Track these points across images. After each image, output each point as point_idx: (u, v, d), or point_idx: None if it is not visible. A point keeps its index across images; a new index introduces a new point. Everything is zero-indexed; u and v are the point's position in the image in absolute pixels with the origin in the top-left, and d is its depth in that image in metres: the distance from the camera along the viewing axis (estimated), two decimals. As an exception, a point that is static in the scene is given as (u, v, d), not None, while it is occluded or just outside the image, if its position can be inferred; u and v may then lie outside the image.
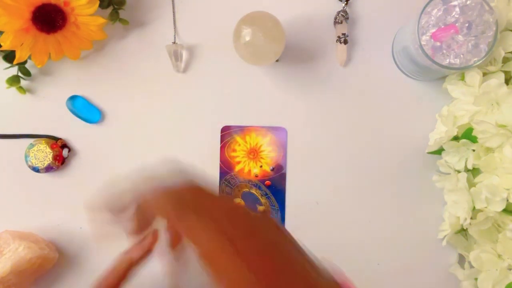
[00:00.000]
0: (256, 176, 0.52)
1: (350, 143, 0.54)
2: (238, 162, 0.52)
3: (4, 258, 0.49)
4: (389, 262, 0.53)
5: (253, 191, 0.52)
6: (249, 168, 0.52)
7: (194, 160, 0.51)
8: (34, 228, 0.54)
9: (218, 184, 0.52)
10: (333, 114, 0.54)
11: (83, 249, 0.54)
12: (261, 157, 0.52)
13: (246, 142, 0.52)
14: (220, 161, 0.52)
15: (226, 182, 0.52)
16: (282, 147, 0.52)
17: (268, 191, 0.52)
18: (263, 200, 0.52)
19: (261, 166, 0.52)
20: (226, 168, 0.52)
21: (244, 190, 0.52)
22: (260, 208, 0.52)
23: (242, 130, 0.52)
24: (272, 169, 0.52)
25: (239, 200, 0.52)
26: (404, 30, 0.50)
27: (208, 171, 0.53)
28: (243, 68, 0.54)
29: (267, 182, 0.52)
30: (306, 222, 0.53)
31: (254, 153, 0.52)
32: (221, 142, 0.52)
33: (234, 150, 0.52)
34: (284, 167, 0.52)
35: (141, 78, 0.55)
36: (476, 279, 0.48)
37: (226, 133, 0.52)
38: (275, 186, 0.52)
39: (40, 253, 0.50)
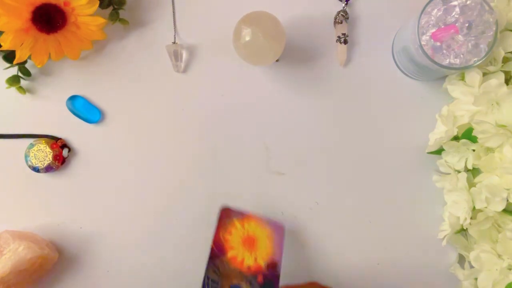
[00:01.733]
0: (249, 268, 0.47)
1: (350, 143, 0.54)
2: (232, 248, 0.48)
3: (4, 258, 0.49)
4: (389, 262, 0.53)
5: (243, 285, 0.46)
6: (243, 258, 0.47)
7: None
8: (34, 228, 0.54)
9: (205, 266, 0.47)
10: (333, 114, 0.54)
11: (83, 249, 0.54)
12: (257, 249, 0.48)
13: (244, 228, 0.48)
14: (213, 241, 0.47)
15: (214, 267, 0.47)
16: (279, 246, 0.48)
17: None
18: None
19: (255, 259, 0.47)
20: (217, 250, 0.47)
21: (234, 281, 0.46)
22: None
23: (243, 216, 0.49)
24: (267, 266, 0.47)
25: None
26: (404, 30, 0.50)
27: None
28: (243, 68, 0.54)
29: (260, 278, 0.47)
30: None
31: (250, 242, 0.48)
32: (218, 222, 0.48)
33: (230, 233, 0.48)
34: (279, 267, 0.47)
35: (141, 78, 0.55)
36: (476, 279, 0.48)
37: (226, 214, 0.49)
38: (268, 284, 0.47)
39: (40, 253, 0.50)
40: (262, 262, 0.47)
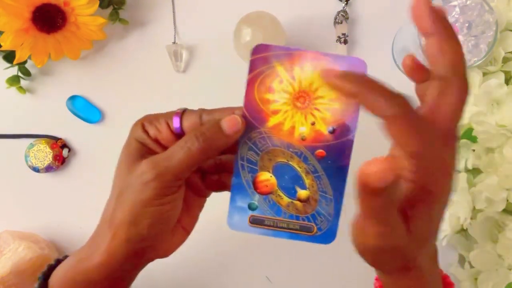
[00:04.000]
0: (303, 139, 0.32)
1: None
2: (276, 112, 0.32)
3: (4, 258, 0.49)
4: (389, 262, 0.53)
5: (294, 163, 0.32)
6: (293, 124, 0.32)
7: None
8: (34, 228, 0.54)
9: (236, 145, 0.32)
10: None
11: (83, 249, 0.54)
12: (316, 108, 0.31)
13: (294, 77, 0.31)
14: (245, 105, 0.32)
15: (250, 143, 0.32)
16: None
17: (319, 167, 0.32)
18: (308, 180, 0.32)
19: (313, 124, 0.32)
20: (253, 118, 0.32)
21: (280, 160, 0.32)
22: (302, 193, 0.32)
23: (291, 55, 0.31)
24: (332, 131, 0.32)
25: (268, 176, 0.32)
26: (404, 30, 0.50)
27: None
28: (243, 68, 0.54)
29: (320, 151, 0.32)
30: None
31: (305, 98, 0.31)
32: (249, 73, 0.32)
33: (271, 90, 0.32)
34: (354, 130, 0.32)
35: (141, 78, 0.55)
36: (476, 279, 0.48)
37: (261, 57, 0.31)
38: (332, 160, 0.32)
39: (40, 253, 0.50)
40: (324, 128, 0.32)
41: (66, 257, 0.35)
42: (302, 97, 0.31)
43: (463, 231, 0.50)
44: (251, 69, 0.32)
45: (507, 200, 0.44)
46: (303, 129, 0.32)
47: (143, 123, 0.33)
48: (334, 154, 0.32)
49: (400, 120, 0.24)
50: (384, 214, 0.25)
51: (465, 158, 0.48)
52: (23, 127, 0.55)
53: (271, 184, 0.33)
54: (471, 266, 0.48)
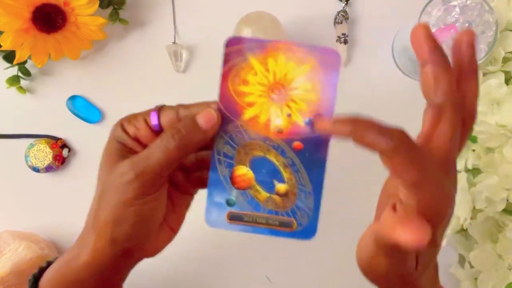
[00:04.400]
0: (280, 131, 0.31)
1: (350, 144, 0.54)
2: (251, 104, 0.31)
3: (4, 258, 0.49)
4: (389, 262, 0.53)
5: (271, 157, 0.31)
6: (269, 117, 0.31)
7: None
8: (34, 228, 0.54)
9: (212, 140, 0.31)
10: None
11: (83, 249, 0.54)
12: (292, 99, 0.31)
13: (268, 69, 0.31)
14: (220, 99, 0.32)
15: (226, 137, 0.31)
16: (331, 85, 0.31)
17: (297, 160, 0.31)
18: (286, 174, 0.31)
19: (289, 115, 0.31)
20: (228, 112, 0.31)
21: (256, 153, 0.31)
22: (280, 187, 0.32)
23: (264, 47, 0.30)
24: (309, 123, 0.31)
25: (245, 170, 0.32)
26: (404, 30, 0.50)
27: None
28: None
29: (297, 144, 0.31)
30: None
31: (280, 90, 0.31)
32: (223, 66, 0.32)
33: (246, 82, 0.31)
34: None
35: (141, 78, 0.55)
36: (476, 279, 0.48)
37: (234, 50, 0.31)
38: (310, 153, 0.31)
39: (40, 253, 0.50)
40: (300, 119, 0.31)
41: (56, 258, 0.35)
42: (277, 89, 0.31)
43: (463, 231, 0.50)
44: (225, 62, 0.32)
45: (507, 200, 0.44)
46: (279, 121, 0.31)
47: (122, 123, 0.33)
48: (312, 146, 0.31)
49: (397, 153, 0.24)
50: (404, 257, 0.27)
51: (465, 158, 0.48)
52: (23, 127, 0.55)
53: (248, 179, 0.32)
54: (471, 266, 0.48)
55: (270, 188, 0.32)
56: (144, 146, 0.31)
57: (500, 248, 0.45)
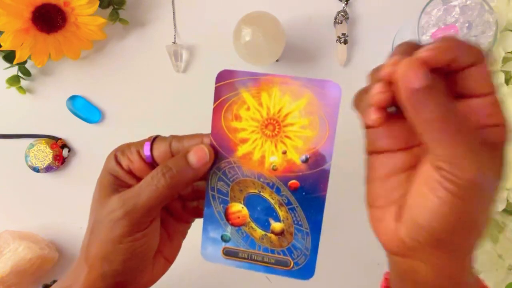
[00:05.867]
0: (275, 169, 0.30)
1: (350, 144, 0.54)
2: (244, 141, 0.30)
3: (4, 258, 0.49)
4: (389, 262, 0.53)
5: (266, 194, 0.30)
6: (263, 154, 0.30)
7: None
8: (34, 228, 0.54)
9: (207, 176, 0.31)
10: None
11: (83, 249, 0.54)
12: (287, 136, 0.29)
13: (261, 104, 0.29)
14: (212, 134, 0.30)
15: (220, 173, 0.31)
16: (330, 121, 0.29)
17: (293, 199, 0.30)
18: (281, 212, 0.30)
19: (284, 152, 0.29)
20: (221, 148, 0.30)
21: (251, 191, 0.31)
22: (276, 226, 0.31)
23: (257, 82, 0.29)
24: (305, 160, 0.29)
25: (239, 207, 0.31)
26: (404, 30, 0.50)
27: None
28: (243, 68, 0.54)
29: (293, 182, 0.30)
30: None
31: (274, 126, 0.29)
32: (215, 101, 0.30)
33: (239, 118, 0.30)
34: (329, 158, 0.29)
35: (141, 78, 0.55)
36: (476, 279, 0.48)
37: (225, 84, 0.30)
38: (307, 191, 0.30)
39: (40, 253, 0.50)
40: (296, 157, 0.29)
41: (54, 281, 0.35)
42: (271, 125, 0.29)
43: (463, 231, 0.50)
44: (216, 97, 0.30)
45: (507, 200, 0.44)
46: (274, 159, 0.30)
47: (116, 154, 0.32)
48: (309, 185, 0.29)
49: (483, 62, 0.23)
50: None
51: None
52: (23, 127, 0.55)
53: (243, 216, 0.31)
54: (471, 266, 0.48)
55: (265, 226, 0.31)
56: (137, 179, 0.31)
57: (500, 248, 0.45)
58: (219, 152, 0.30)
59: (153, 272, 0.34)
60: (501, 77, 0.45)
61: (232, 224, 0.31)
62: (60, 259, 0.54)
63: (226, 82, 0.30)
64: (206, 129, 0.55)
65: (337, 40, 0.53)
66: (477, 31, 0.44)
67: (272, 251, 0.31)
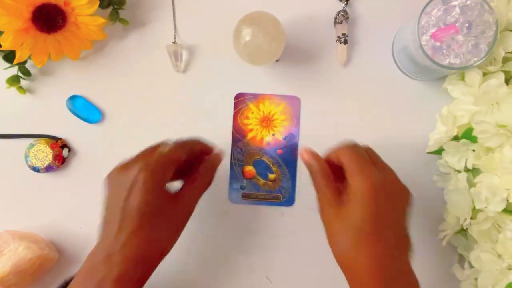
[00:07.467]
0: (268, 144, 0.53)
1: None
2: (251, 130, 0.53)
3: (4, 258, 0.49)
4: (389, 262, 0.53)
5: (265, 159, 0.53)
6: (262, 136, 0.53)
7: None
8: (34, 228, 0.54)
9: (230, 151, 0.53)
10: (332, 114, 0.54)
11: (83, 249, 0.54)
12: (274, 126, 0.53)
13: (259, 110, 0.53)
14: (233, 128, 0.53)
15: (238, 149, 0.53)
16: (295, 117, 0.53)
17: (280, 160, 0.53)
18: (274, 168, 0.53)
19: (273, 135, 0.53)
20: (238, 135, 0.53)
21: (256, 157, 0.53)
22: (271, 176, 0.53)
23: (256, 98, 0.53)
24: (285, 138, 0.53)
25: (250, 168, 0.53)
26: (404, 30, 0.50)
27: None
28: (243, 68, 0.54)
29: (279, 150, 0.53)
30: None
31: (267, 121, 0.53)
32: (234, 109, 0.53)
33: (247, 118, 0.53)
34: (297, 136, 0.53)
35: (141, 78, 0.55)
36: (476, 279, 0.48)
37: (240, 100, 0.53)
38: (287, 155, 0.53)
39: (40, 253, 0.50)
40: (280, 136, 0.53)
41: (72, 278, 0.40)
42: (265, 121, 0.54)
43: (463, 231, 0.50)
44: (235, 107, 0.54)
45: (507, 200, 0.43)
46: (268, 138, 0.54)
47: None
48: (288, 152, 0.53)
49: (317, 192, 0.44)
50: None
51: (465, 158, 0.48)
52: (23, 127, 0.55)
53: (252, 172, 0.54)
54: (471, 266, 0.48)
55: (265, 177, 0.54)
56: None
57: (500, 248, 0.45)
58: (237, 137, 0.54)
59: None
60: (501, 77, 0.45)
61: (246, 178, 0.54)
62: (60, 259, 0.54)
63: (240, 99, 0.54)
64: (206, 128, 0.56)
65: (337, 40, 0.53)
66: (477, 31, 0.44)
67: (270, 191, 0.53)
